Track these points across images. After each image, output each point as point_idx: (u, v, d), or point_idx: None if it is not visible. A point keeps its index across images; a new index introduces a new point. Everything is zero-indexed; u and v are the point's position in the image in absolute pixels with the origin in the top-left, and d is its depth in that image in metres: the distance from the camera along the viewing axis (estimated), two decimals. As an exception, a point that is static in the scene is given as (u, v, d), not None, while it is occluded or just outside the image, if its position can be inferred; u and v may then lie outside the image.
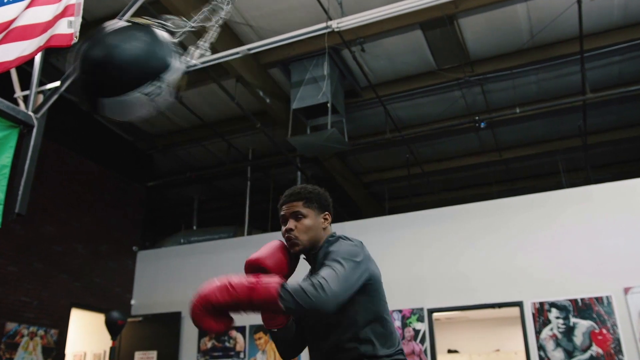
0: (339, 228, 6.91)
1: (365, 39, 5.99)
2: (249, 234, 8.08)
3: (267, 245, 1.81)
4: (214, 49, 5.76)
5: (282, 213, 1.88)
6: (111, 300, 7.42)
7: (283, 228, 1.87)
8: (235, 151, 8.21)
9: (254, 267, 1.72)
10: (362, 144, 7.72)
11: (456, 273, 6.11)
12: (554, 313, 5.50)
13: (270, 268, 1.70)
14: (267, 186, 9.02)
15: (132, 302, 7.78)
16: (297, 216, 1.85)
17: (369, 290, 1.71)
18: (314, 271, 1.81)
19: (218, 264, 7.40)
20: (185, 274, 7.59)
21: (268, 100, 6.73)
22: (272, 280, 1.51)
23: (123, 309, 7.46)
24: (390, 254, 6.33)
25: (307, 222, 1.83)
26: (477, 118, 6.80)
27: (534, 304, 5.62)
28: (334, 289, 1.51)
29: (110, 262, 7.60)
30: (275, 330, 1.81)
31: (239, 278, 1.54)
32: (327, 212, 1.90)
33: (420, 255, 6.32)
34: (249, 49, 5.42)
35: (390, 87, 6.98)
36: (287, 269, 1.78)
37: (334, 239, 1.82)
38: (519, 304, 5.71)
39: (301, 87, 6.27)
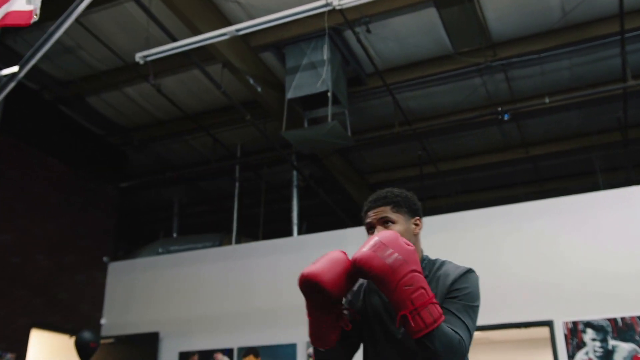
0: (341, 235, 6.90)
1: (371, 18, 5.97)
2: (238, 242, 8.07)
3: (327, 256, 1.82)
4: (197, 28, 5.77)
5: (368, 220, 1.96)
6: (78, 320, 7.38)
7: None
8: (222, 147, 8.20)
9: (309, 283, 1.73)
10: (368, 139, 7.71)
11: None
12: (589, 334, 5.48)
13: (327, 287, 1.72)
14: (258, 187, 9.02)
15: (102, 321, 7.76)
16: (386, 222, 1.92)
17: None
18: None
19: (202, 276, 7.40)
20: (163, 288, 7.57)
21: (259, 89, 6.73)
22: (435, 313, 1.66)
23: (92, 328, 7.43)
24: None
25: (397, 228, 1.89)
26: (500, 109, 6.80)
27: (566, 323, 5.60)
28: (467, 345, 1.73)
29: (77, 276, 7.57)
30: (323, 350, 1.85)
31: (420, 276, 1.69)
32: (417, 217, 1.98)
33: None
34: (238, 30, 5.41)
35: (400, 73, 6.98)
36: (344, 290, 1.80)
37: (457, 267, 1.91)
38: (548, 324, 5.69)
39: (297, 73, 6.27)
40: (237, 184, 8.52)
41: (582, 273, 5.70)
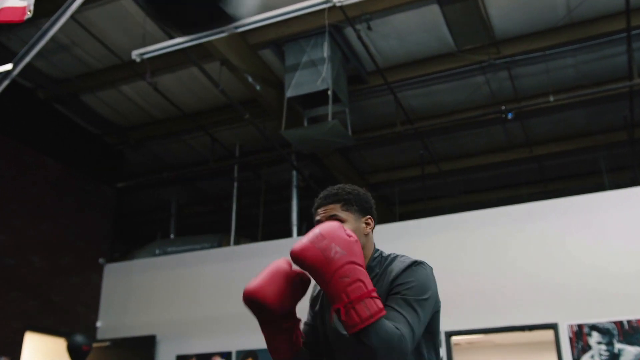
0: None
1: (372, 14, 5.97)
2: (237, 243, 8.06)
3: (269, 268, 1.82)
4: (194, 26, 5.76)
5: (317, 218, 1.93)
6: (73, 322, 7.38)
7: None
8: (220, 147, 8.20)
9: (250, 301, 1.75)
10: (369, 138, 7.71)
11: (479, 290, 6.08)
12: (595, 337, 5.47)
13: (270, 304, 1.73)
14: (257, 188, 9.01)
15: (98, 324, 7.76)
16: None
17: (431, 321, 1.81)
18: None
19: (200, 278, 7.40)
20: (161, 290, 7.57)
21: (258, 87, 6.72)
22: (372, 307, 1.59)
23: (87, 332, 7.43)
24: (401, 268, 6.29)
25: (346, 227, 1.84)
26: (503, 108, 6.78)
27: (571, 326, 5.59)
28: (409, 342, 1.64)
29: (72, 277, 7.57)
30: None
31: (358, 267, 1.63)
32: (369, 216, 1.94)
33: (436, 269, 6.28)
34: (236, 27, 5.40)
35: (402, 71, 6.97)
36: (291, 303, 1.80)
37: (403, 261, 1.85)
38: (553, 327, 5.68)
39: (297, 71, 6.27)
40: (235, 184, 8.51)
41: (588, 275, 5.69)
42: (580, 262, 5.78)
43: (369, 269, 1.85)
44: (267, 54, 6.78)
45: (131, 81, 7.25)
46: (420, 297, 1.73)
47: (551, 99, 6.61)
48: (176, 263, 7.76)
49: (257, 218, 8.99)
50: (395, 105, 7.06)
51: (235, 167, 8.59)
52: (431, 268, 1.86)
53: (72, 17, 4.28)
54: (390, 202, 9.94)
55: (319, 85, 6.07)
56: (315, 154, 7.90)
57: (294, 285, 1.81)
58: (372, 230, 1.95)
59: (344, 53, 6.53)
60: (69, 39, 6.57)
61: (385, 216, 9.66)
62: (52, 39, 3.72)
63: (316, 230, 1.67)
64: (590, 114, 7.72)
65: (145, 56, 5.80)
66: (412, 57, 6.84)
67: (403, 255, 1.90)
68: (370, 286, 1.62)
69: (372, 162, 9.09)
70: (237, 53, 6.42)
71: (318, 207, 1.94)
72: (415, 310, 1.70)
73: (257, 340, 6.81)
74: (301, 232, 8.00)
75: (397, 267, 1.82)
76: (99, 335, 7.66)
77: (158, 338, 7.24)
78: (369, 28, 5.99)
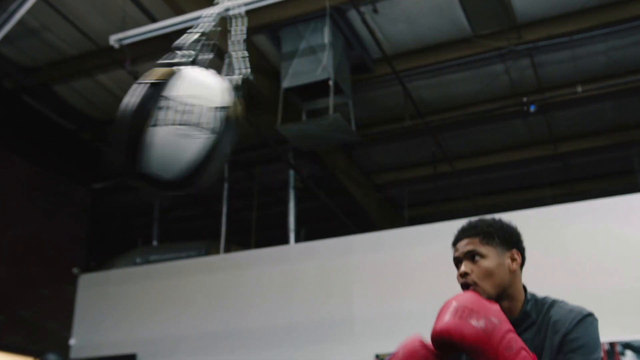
0: (344, 243, 6.88)
1: (379, -5, 5.97)
2: (227, 251, 8.06)
3: (403, 347, 1.84)
4: (180, 8, 5.75)
5: (455, 255, 1.97)
6: (44, 340, 7.36)
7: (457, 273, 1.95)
8: (208, 143, 8.17)
9: None
10: (375, 134, 7.74)
11: (499, 303, 6.06)
12: (629, 357, 5.46)
13: None
14: (250, 189, 9.01)
15: (72, 341, 7.74)
16: (473, 257, 1.90)
17: None
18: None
19: (186, 290, 7.38)
20: (142, 304, 7.55)
21: (251, 77, 6.69)
22: None
23: (60, 350, 7.40)
24: (411, 276, 6.29)
25: (487, 263, 1.87)
26: (525, 100, 6.80)
27: (602, 344, 5.56)
28: None
29: (42, 289, 7.55)
30: None
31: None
32: (514, 250, 1.93)
33: (450, 278, 6.26)
34: (227, 9, 5.39)
35: (411, 59, 6.97)
36: None
37: (571, 311, 1.85)
38: (581, 345, 5.66)
39: (294, 59, 6.28)
40: (225, 185, 8.51)
41: (620, 287, 5.67)
42: (611, 272, 5.75)
43: (524, 314, 1.87)
44: (261, 40, 6.77)
45: (109, 70, 7.23)
46: (597, 356, 1.78)
47: (579, 89, 6.62)
48: (159, 273, 7.75)
49: (250, 223, 8.97)
50: (404, 97, 7.06)
51: (226, 166, 8.58)
52: (597, 320, 1.88)
53: (42, -3, 4.26)
54: (398, 205, 9.94)
55: (319, 75, 6.06)
56: (314, 152, 7.87)
57: None
58: (521, 268, 1.95)
59: (347, 39, 6.52)
60: (39, 22, 6.55)
61: (393, 220, 9.65)
62: (20, 21, 3.71)
63: (454, 304, 1.68)
64: (622, 106, 7.71)
65: (125, 42, 5.79)
66: (423, 43, 6.83)
67: (562, 301, 1.92)
68: (532, 353, 1.66)
69: (378, 161, 9.08)
70: (227, 38, 6.40)
71: (455, 243, 1.98)
72: None
73: (248, 359, 6.80)
74: (299, 239, 7.98)
75: (563, 317, 1.83)
76: (73, 354, 7.63)
77: (139, 357, 7.22)
78: (375, 11, 6.00)
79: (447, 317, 1.67)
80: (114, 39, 5.79)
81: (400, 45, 6.86)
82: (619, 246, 5.86)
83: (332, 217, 8.92)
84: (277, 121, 6.39)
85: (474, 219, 2.00)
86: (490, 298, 1.84)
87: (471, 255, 1.90)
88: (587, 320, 1.83)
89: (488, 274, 1.86)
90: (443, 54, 6.88)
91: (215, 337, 7.00)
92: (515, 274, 1.91)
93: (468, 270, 1.88)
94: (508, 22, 6.40)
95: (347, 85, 6.47)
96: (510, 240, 1.94)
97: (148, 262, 8.39)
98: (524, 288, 1.94)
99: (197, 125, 1.98)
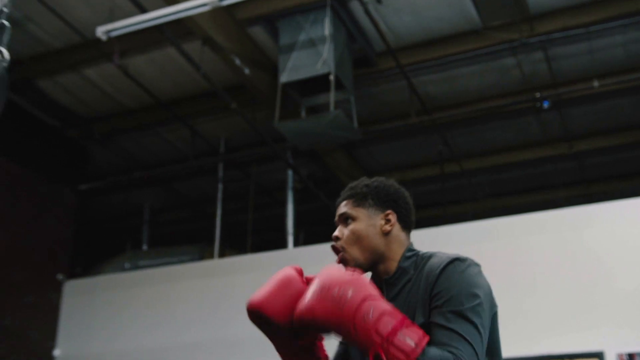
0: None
1: (383, -16, 5.97)
2: (221, 256, 8.09)
3: (276, 277, 1.83)
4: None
5: (335, 219, 1.98)
6: (26, 350, 7.36)
7: None
8: (202, 141, 8.19)
9: (255, 315, 1.79)
10: (378, 131, 7.73)
11: (511, 311, 6.03)
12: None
13: (277, 317, 1.74)
14: (246, 190, 9.00)
15: (56, 352, 7.72)
16: (346, 220, 1.91)
17: (491, 328, 1.77)
18: (392, 301, 1.77)
19: (178, 297, 7.37)
20: (131, 312, 7.54)
21: (247, 71, 6.71)
22: (413, 337, 1.58)
23: (44, 361, 7.42)
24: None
25: (357, 226, 1.87)
26: (538, 95, 6.79)
27: (620, 356, 5.56)
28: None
29: (25, 297, 7.55)
30: None
31: (379, 304, 1.62)
32: (389, 210, 1.90)
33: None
34: (220, -1, 5.39)
35: (417, 52, 6.97)
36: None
37: (440, 258, 1.78)
38: (598, 356, 5.64)
39: (293, 52, 6.27)
40: (220, 186, 8.52)
41: (639, 294, 5.67)
42: (630, 278, 5.75)
43: (401, 271, 1.83)
44: (258, 32, 6.76)
45: (96, 63, 7.22)
46: (472, 303, 1.67)
47: (595, 84, 6.62)
48: (149, 279, 7.75)
49: (246, 225, 8.97)
50: (409, 93, 7.05)
51: (220, 165, 8.61)
52: (478, 265, 1.78)
53: (24, -14, 4.24)
54: (403, 207, 9.95)
55: (319, 69, 6.05)
56: (314, 150, 7.91)
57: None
58: (405, 229, 1.92)
59: (348, 31, 6.52)
60: (22, 13, 6.53)
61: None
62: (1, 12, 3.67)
63: (312, 286, 1.67)
64: (640, 102, 7.73)
65: (113, 34, 5.78)
66: (430, 35, 6.83)
67: (439, 253, 1.83)
68: (399, 315, 1.60)
69: (381, 160, 9.10)
70: (222, 30, 6.41)
71: (336, 206, 1.97)
72: (468, 321, 1.65)
73: (245, 372, 6.79)
74: (297, 242, 7.97)
75: (434, 267, 1.76)
76: (58, 366, 7.63)
77: (128, 368, 7.21)
78: (379, 1, 6.01)
79: (303, 301, 1.67)
80: (101, 31, 5.78)
81: (405, 38, 6.85)
82: (637, 251, 5.85)
83: (332, 220, 8.90)
84: (274, 118, 6.38)
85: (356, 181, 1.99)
86: (359, 264, 1.84)
87: (344, 219, 1.90)
88: (450, 267, 1.73)
89: (356, 237, 1.85)
90: (451, 47, 6.88)
91: (208, 345, 6.99)
92: (390, 235, 1.88)
93: (339, 235, 1.89)
94: (520, 12, 6.39)
95: (349, 80, 6.47)
96: (385, 200, 1.91)
97: (137, 267, 8.42)
98: (410, 249, 1.90)
99: None
